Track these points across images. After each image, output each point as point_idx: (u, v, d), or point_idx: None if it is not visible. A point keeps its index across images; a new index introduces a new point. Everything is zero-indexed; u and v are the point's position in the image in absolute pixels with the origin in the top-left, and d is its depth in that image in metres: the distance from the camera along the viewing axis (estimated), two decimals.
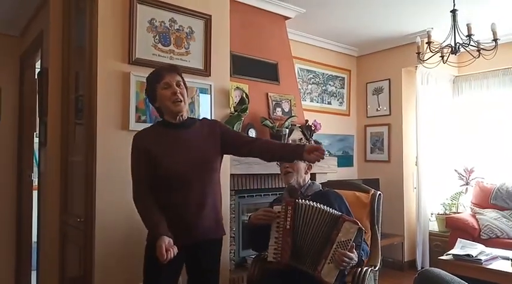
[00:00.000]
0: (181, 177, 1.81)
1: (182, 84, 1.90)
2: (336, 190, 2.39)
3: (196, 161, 1.84)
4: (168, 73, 1.88)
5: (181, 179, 1.81)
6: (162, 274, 1.85)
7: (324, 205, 2.09)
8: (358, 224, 1.97)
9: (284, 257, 1.98)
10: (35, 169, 3.78)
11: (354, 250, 1.96)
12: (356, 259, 1.97)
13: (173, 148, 1.85)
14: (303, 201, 2.04)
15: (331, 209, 2.03)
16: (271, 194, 3.23)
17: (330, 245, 1.95)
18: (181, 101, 1.86)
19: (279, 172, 3.23)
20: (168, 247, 1.69)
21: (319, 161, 1.89)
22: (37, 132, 3.56)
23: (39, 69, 3.30)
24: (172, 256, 1.69)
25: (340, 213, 2.02)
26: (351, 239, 1.95)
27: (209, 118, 2.17)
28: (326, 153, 1.87)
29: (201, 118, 2.14)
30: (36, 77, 3.45)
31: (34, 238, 3.50)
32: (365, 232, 2.19)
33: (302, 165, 2.31)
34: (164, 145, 1.85)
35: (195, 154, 1.86)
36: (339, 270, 1.95)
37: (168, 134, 1.88)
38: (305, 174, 2.34)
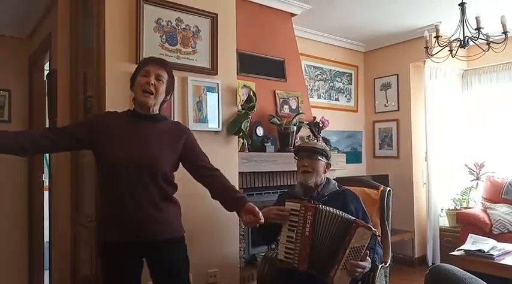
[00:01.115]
0: (126, 168, 1.74)
1: (164, 79, 1.84)
2: (351, 190, 2.34)
3: (145, 157, 1.76)
4: (153, 63, 1.85)
5: (125, 170, 1.74)
6: (120, 276, 1.81)
7: (339, 205, 2.07)
8: (372, 230, 1.93)
9: (303, 266, 1.96)
10: (46, 170, 3.83)
11: (368, 258, 1.93)
12: (369, 266, 1.94)
13: (128, 139, 1.79)
14: (324, 207, 1.99)
15: (346, 214, 1.99)
16: (280, 191, 3.23)
17: (343, 251, 1.92)
18: (151, 93, 1.79)
19: (288, 170, 3.27)
20: None
21: (250, 226, 1.83)
22: None
23: (47, 71, 3.33)
24: None
25: (354, 218, 1.98)
26: (364, 246, 1.91)
27: (181, 124, 2.07)
28: (261, 220, 1.74)
29: (175, 120, 2.10)
30: (45, 79, 3.48)
31: (46, 238, 3.54)
32: (379, 235, 2.15)
33: (322, 164, 2.22)
34: (121, 134, 1.79)
35: (147, 151, 1.77)
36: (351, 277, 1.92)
37: (129, 123, 1.83)
38: (323, 173, 2.26)
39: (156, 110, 1.87)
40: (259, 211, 1.78)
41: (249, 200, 1.84)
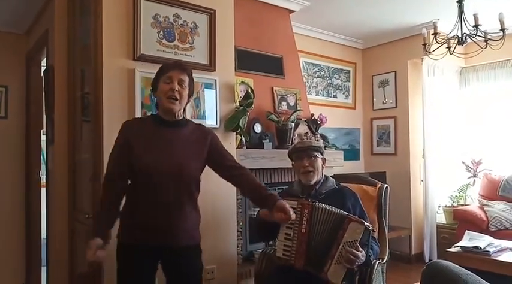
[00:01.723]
0: (156, 176, 1.76)
1: (186, 84, 1.84)
2: (349, 188, 2.35)
3: (174, 165, 1.78)
4: (175, 69, 1.85)
5: (153, 179, 1.76)
6: (136, 277, 1.82)
7: (337, 203, 2.08)
8: (364, 225, 1.94)
9: (299, 263, 1.97)
10: (43, 166, 3.82)
11: (361, 249, 1.94)
12: (363, 258, 1.95)
13: (155, 147, 1.80)
14: (320, 204, 2.01)
15: (341, 211, 2.00)
16: (278, 188, 3.23)
17: (336, 246, 1.93)
18: (176, 99, 1.80)
19: (286, 167, 3.26)
20: (94, 249, 1.71)
21: (284, 221, 1.88)
22: (44, 129, 3.58)
23: (45, 67, 3.31)
24: (95, 259, 1.71)
25: (346, 213, 2.00)
26: (357, 240, 1.93)
27: (204, 126, 2.07)
28: (292, 217, 1.85)
29: (198, 123, 2.10)
30: (42, 75, 3.46)
31: (43, 235, 3.54)
32: (373, 231, 2.16)
33: (320, 161, 2.25)
34: (147, 141, 1.80)
35: (175, 158, 1.79)
36: (346, 270, 1.93)
37: (155, 130, 1.83)
38: (322, 169, 2.27)
39: (181, 115, 1.89)
40: (289, 208, 1.84)
41: (279, 197, 1.89)
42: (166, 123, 1.85)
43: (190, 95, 1.90)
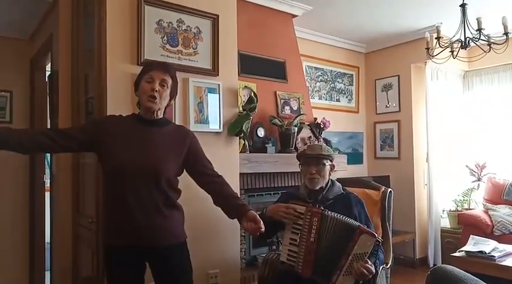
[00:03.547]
0: (130, 172, 1.74)
1: (168, 84, 1.83)
2: (356, 195, 2.33)
3: (148, 164, 1.76)
4: (157, 68, 1.84)
5: (129, 176, 1.74)
6: (125, 279, 1.82)
7: (344, 209, 2.07)
8: (375, 237, 1.92)
9: (307, 272, 1.95)
10: (47, 171, 3.83)
11: (371, 263, 1.92)
12: (374, 271, 1.93)
13: (133, 143, 1.79)
14: (329, 212, 1.98)
15: (350, 220, 1.98)
16: (281, 192, 3.23)
17: (346, 257, 1.91)
18: (155, 98, 1.79)
19: (289, 171, 3.27)
20: None
21: (252, 234, 1.84)
22: None
23: (49, 72, 3.33)
24: None
25: (357, 224, 1.97)
26: (367, 252, 1.90)
27: (185, 128, 2.07)
28: (262, 229, 1.76)
29: (178, 124, 2.10)
30: (46, 80, 3.48)
31: (47, 239, 3.55)
32: (381, 240, 2.14)
33: (328, 168, 2.23)
34: (124, 139, 1.79)
35: (151, 155, 1.78)
36: (354, 282, 1.91)
37: (134, 129, 1.83)
38: (329, 175, 2.25)
39: (160, 114, 1.87)
40: (260, 219, 1.79)
41: (251, 208, 1.84)
42: (145, 122, 1.84)
43: (172, 96, 1.89)
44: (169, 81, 1.85)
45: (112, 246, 1.84)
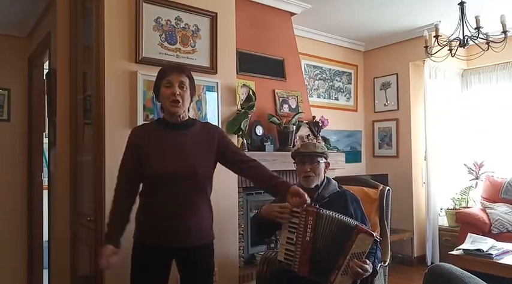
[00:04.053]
0: (168, 179, 1.78)
1: (186, 85, 1.85)
2: (352, 192, 2.32)
3: (186, 166, 1.80)
4: (173, 72, 1.86)
5: (168, 181, 1.79)
6: (151, 277, 1.84)
7: (340, 207, 2.06)
8: (373, 236, 1.91)
9: (303, 270, 1.94)
10: (45, 169, 3.82)
11: (369, 262, 1.91)
12: (371, 270, 1.92)
13: (165, 150, 1.82)
14: (325, 211, 1.97)
15: (347, 218, 1.98)
16: None
17: (344, 256, 1.90)
18: (178, 102, 1.81)
19: (287, 169, 3.26)
20: (106, 256, 1.73)
21: (297, 207, 1.88)
22: (46, 132, 3.59)
23: (47, 70, 3.33)
24: (108, 266, 1.74)
25: (355, 223, 1.96)
26: (365, 252, 1.89)
27: (211, 122, 2.11)
28: (307, 201, 1.83)
29: (204, 121, 2.13)
30: (44, 78, 3.47)
31: (45, 237, 3.54)
32: (380, 239, 2.13)
33: (322, 166, 2.23)
34: (157, 145, 1.82)
35: (186, 159, 1.81)
36: (352, 281, 1.90)
37: (164, 134, 1.85)
38: (324, 173, 2.26)
39: (186, 116, 1.90)
40: (304, 192, 1.83)
41: (292, 183, 1.90)
42: (173, 126, 1.87)
43: (192, 95, 1.92)
44: (187, 82, 1.87)
45: (143, 243, 1.86)
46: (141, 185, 1.87)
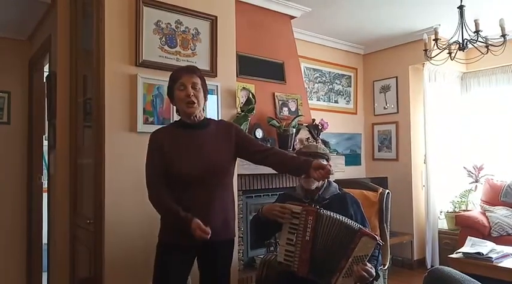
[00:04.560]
0: (191, 179, 1.83)
1: (199, 86, 1.90)
2: (352, 194, 2.32)
3: (207, 165, 1.85)
4: (185, 74, 1.90)
5: (191, 181, 1.83)
6: (172, 273, 1.87)
7: (340, 209, 2.06)
8: (376, 240, 1.90)
9: (302, 270, 1.94)
10: (45, 171, 3.82)
11: (371, 265, 1.91)
12: (374, 274, 1.92)
13: (186, 150, 1.87)
14: (325, 211, 1.97)
15: (349, 221, 1.98)
16: (278, 193, 3.23)
17: (346, 259, 1.89)
18: (194, 103, 1.87)
19: None
20: (202, 225, 1.74)
21: (323, 180, 1.92)
22: (46, 134, 3.59)
23: (47, 73, 3.33)
24: (208, 232, 1.74)
25: (359, 226, 1.96)
26: (367, 255, 1.89)
27: (225, 121, 2.16)
28: (332, 172, 1.87)
29: (218, 119, 2.16)
30: (44, 81, 3.48)
31: (44, 240, 3.54)
32: (383, 243, 2.13)
33: None
34: (177, 146, 1.87)
35: (207, 157, 1.87)
36: None
37: (182, 135, 1.90)
38: None
39: (201, 116, 1.95)
40: (325, 165, 1.91)
41: (312, 159, 1.94)
42: (191, 126, 1.92)
43: (206, 95, 1.97)
44: (199, 82, 1.92)
45: (169, 242, 1.89)
46: None
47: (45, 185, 3.64)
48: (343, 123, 4.97)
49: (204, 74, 2.61)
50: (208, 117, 2.08)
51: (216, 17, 2.72)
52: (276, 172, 3.22)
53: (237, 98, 2.96)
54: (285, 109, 3.65)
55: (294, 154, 2.05)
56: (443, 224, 4.75)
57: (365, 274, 1.87)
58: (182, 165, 1.83)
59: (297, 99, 3.74)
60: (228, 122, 2.11)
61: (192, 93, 1.86)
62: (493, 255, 3.04)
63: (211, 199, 1.87)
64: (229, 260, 2.00)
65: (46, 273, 3.26)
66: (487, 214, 4.22)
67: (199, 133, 1.92)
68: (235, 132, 2.00)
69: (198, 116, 1.92)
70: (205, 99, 1.98)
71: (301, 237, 1.95)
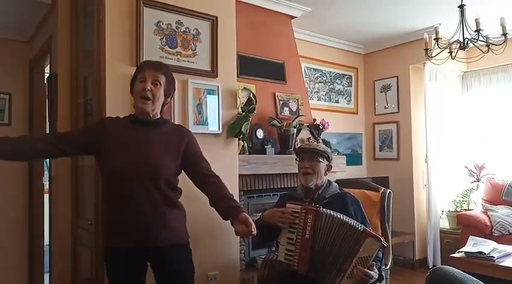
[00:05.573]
0: (130, 176, 1.73)
1: (161, 82, 1.81)
2: (352, 194, 2.32)
3: (147, 165, 1.75)
4: (149, 68, 1.83)
5: (130, 179, 1.73)
6: (125, 279, 1.82)
7: (340, 208, 2.06)
8: (381, 241, 1.90)
9: (302, 268, 1.95)
10: (46, 173, 3.83)
11: (374, 268, 1.91)
12: (376, 276, 1.92)
13: (130, 146, 1.77)
14: (325, 210, 1.98)
15: (352, 221, 1.97)
16: (280, 194, 3.23)
17: (350, 260, 1.90)
18: (148, 99, 1.77)
19: (288, 172, 3.27)
20: None
21: (242, 237, 1.84)
22: None
23: (48, 74, 3.34)
24: None
25: (363, 227, 1.96)
26: (372, 256, 1.89)
27: (183, 127, 2.07)
28: (253, 232, 1.75)
29: (177, 124, 2.12)
30: (45, 82, 3.48)
31: (46, 241, 3.54)
32: (387, 245, 2.12)
33: (322, 166, 2.21)
34: (123, 140, 1.78)
35: (150, 158, 1.76)
36: None
37: (131, 130, 1.81)
38: (324, 175, 2.25)
39: (157, 114, 1.86)
40: (252, 222, 1.77)
41: (244, 210, 1.83)
42: (143, 123, 1.83)
43: (167, 95, 1.87)
44: (163, 79, 1.83)
45: (113, 247, 1.83)
46: (66, 151, 1.82)
47: (46, 186, 3.64)
48: (344, 122, 4.96)
49: (204, 75, 2.65)
50: (166, 118, 1.97)
51: (217, 17, 2.72)
52: (277, 173, 3.24)
53: (238, 98, 2.96)
54: (286, 109, 3.64)
55: (231, 196, 1.88)
56: (444, 224, 4.74)
57: (364, 276, 1.86)
58: (121, 159, 1.73)
59: (297, 99, 3.74)
60: (186, 129, 2.00)
61: (149, 88, 1.77)
62: (495, 254, 3.04)
63: (150, 203, 1.75)
64: (182, 266, 1.86)
65: (48, 274, 3.27)
66: (488, 213, 4.21)
67: (149, 131, 1.82)
68: (187, 141, 1.88)
69: (151, 114, 1.81)
70: (166, 100, 1.87)
71: (301, 236, 1.96)
